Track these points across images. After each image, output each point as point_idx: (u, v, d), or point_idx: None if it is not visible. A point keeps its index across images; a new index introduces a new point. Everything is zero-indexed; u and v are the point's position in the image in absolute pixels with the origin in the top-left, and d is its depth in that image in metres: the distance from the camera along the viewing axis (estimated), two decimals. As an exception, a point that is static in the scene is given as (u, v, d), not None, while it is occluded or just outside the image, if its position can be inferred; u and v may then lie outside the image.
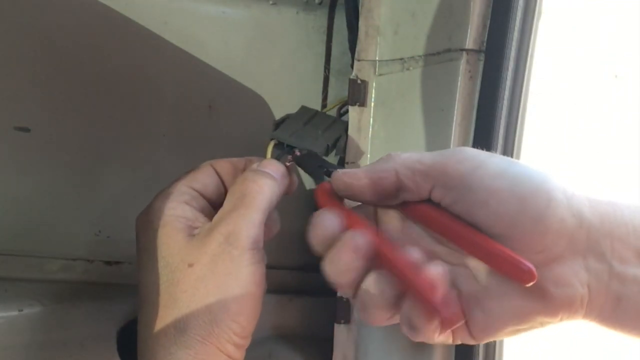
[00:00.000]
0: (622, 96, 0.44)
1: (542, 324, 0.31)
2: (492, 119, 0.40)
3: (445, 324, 0.30)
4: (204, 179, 0.41)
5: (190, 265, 0.35)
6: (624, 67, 0.43)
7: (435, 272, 0.31)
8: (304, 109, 0.51)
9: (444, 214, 0.33)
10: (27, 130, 0.56)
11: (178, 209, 0.38)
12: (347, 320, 0.55)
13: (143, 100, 0.58)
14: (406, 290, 0.31)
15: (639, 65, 0.43)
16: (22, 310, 0.51)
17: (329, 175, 0.37)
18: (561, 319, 0.31)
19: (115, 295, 0.57)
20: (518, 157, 0.41)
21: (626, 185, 0.45)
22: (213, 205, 0.41)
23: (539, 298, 0.30)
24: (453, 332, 0.33)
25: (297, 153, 0.43)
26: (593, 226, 0.30)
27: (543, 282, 0.29)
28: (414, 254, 0.32)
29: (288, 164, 0.42)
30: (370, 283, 0.32)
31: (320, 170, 0.40)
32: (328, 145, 0.47)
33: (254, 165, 0.40)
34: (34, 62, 0.55)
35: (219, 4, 0.58)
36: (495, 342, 0.43)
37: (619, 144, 0.45)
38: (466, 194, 0.31)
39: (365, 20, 0.52)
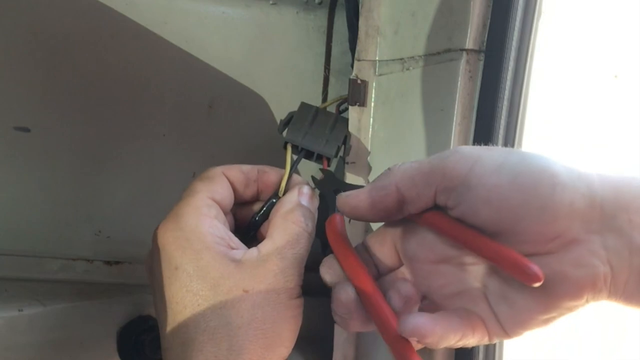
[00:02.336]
0: (622, 96, 0.44)
1: (569, 309, 0.31)
2: (492, 119, 0.40)
3: None
4: (222, 190, 0.41)
5: (246, 291, 0.36)
6: (624, 67, 0.43)
7: (413, 324, 0.31)
8: (304, 106, 0.51)
9: (448, 219, 0.33)
10: (27, 130, 0.56)
11: (215, 227, 0.38)
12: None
13: (143, 100, 0.58)
14: (383, 337, 0.33)
15: (639, 65, 0.43)
16: (22, 310, 0.51)
17: None
18: (587, 301, 0.30)
19: (115, 295, 0.57)
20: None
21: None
22: (225, 213, 0.41)
23: (562, 283, 0.29)
24: (488, 331, 0.33)
25: (318, 178, 0.44)
26: (607, 201, 0.29)
27: (562, 266, 0.29)
28: (395, 301, 0.34)
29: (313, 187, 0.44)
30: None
31: (334, 196, 0.40)
32: (338, 146, 0.48)
33: (296, 197, 0.41)
34: (34, 63, 0.55)
35: (219, 4, 0.58)
36: (495, 343, 0.43)
37: (619, 144, 0.45)
38: (467, 194, 0.31)
39: (365, 20, 0.52)
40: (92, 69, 0.56)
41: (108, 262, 0.61)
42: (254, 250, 0.38)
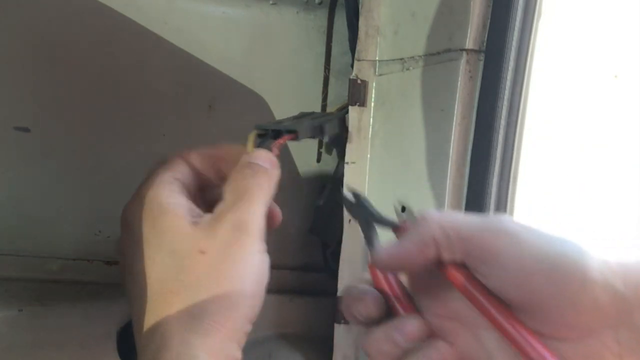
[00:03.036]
0: (622, 96, 0.44)
1: None
2: (492, 119, 0.40)
3: None
4: (181, 169, 0.41)
5: (202, 252, 0.35)
6: (624, 67, 0.43)
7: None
8: (300, 114, 0.51)
9: (474, 282, 0.32)
10: (27, 130, 0.56)
11: (175, 197, 0.38)
12: (347, 321, 0.55)
13: (143, 100, 0.58)
14: None
15: (639, 65, 0.43)
16: (22, 310, 0.51)
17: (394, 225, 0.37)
18: None
19: (115, 295, 0.57)
20: (518, 157, 0.41)
21: (626, 185, 0.45)
22: (189, 195, 0.41)
23: None
24: None
25: (351, 197, 0.40)
26: (626, 298, 0.30)
27: (574, 356, 0.30)
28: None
29: (277, 151, 0.42)
30: None
31: (370, 229, 0.38)
32: (313, 126, 0.46)
33: (246, 158, 0.40)
34: (34, 63, 0.55)
35: (219, 4, 0.58)
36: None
37: (619, 144, 0.45)
38: (500, 273, 0.31)
39: (365, 20, 0.52)
40: (92, 69, 0.56)
41: (108, 262, 0.61)
42: (207, 214, 0.38)
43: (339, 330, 0.55)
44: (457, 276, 0.33)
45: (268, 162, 0.40)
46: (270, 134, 0.44)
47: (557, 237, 0.32)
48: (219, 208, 0.37)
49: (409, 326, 0.34)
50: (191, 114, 0.60)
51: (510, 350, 0.32)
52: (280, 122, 0.47)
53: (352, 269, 0.54)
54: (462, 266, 0.33)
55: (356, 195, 0.39)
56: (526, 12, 0.39)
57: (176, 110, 0.59)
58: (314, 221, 0.60)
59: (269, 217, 0.39)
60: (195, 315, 0.34)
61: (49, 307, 0.52)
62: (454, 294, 0.34)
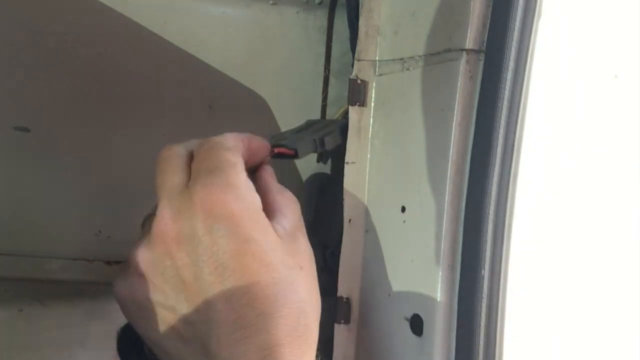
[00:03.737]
0: (622, 96, 0.44)
1: None
2: (492, 119, 0.40)
3: None
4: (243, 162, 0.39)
5: (302, 268, 0.37)
6: (624, 67, 0.43)
7: None
8: (307, 122, 0.51)
9: None
10: (27, 130, 0.56)
11: (254, 194, 0.36)
12: (347, 320, 0.55)
13: (143, 100, 0.58)
14: None
15: (639, 65, 0.43)
16: (22, 310, 0.51)
17: None
18: None
19: (115, 295, 0.57)
20: (518, 157, 0.40)
21: (626, 185, 0.45)
22: None
23: None
24: None
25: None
26: None
27: None
28: None
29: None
30: None
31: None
32: (315, 140, 0.46)
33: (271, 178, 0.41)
34: (34, 63, 0.55)
35: (219, 4, 0.58)
36: (495, 343, 0.43)
37: (619, 144, 0.45)
38: None
39: (365, 20, 0.52)
40: (92, 69, 0.56)
41: (108, 262, 0.61)
42: (276, 226, 0.37)
43: (339, 330, 0.55)
44: None
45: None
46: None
47: None
48: (289, 224, 0.38)
49: None
50: (191, 114, 0.60)
51: None
52: (284, 136, 0.47)
53: (352, 269, 0.54)
54: None
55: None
56: (526, 12, 0.39)
57: (176, 110, 0.59)
58: (314, 221, 0.60)
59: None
60: (302, 324, 0.35)
61: (49, 307, 0.52)
62: None
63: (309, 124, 0.50)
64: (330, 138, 0.48)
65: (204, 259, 0.33)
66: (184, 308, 0.35)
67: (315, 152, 0.47)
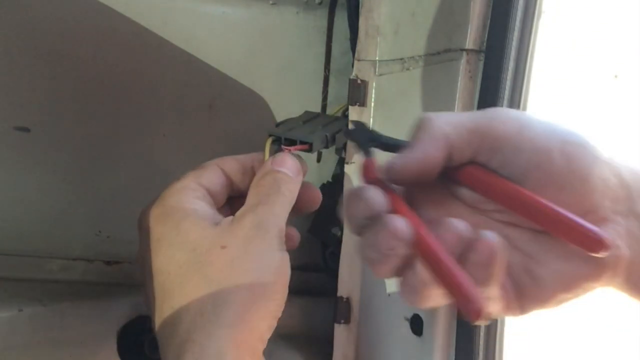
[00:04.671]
0: (622, 96, 0.44)
1: (585, 290, 0.31)
2: (492, 119, 0.40)
3: (474, 317, 0.28)
4: (211, 177, 0.41)
5: (224, 247, 0.36)
6: (624, 67, 0.43)
7: (493, 240, 0.29)
8: (307, 113, 0.51)
9: (494, 175, 0.31)
10: (27, 130, 0.56)
11: (196, 203, 0.38)
12: (347, 320, 0.55)
13: (143, 100, 0.58)
14: (440, 282, 0.29)
15: (639, 65, 0.43)
16: (22, 310, 0.51)
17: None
18: (602, 284, 0.30)
19: (115, 295, 0.57)
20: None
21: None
22: (216, 202, 0.41)
23: (586, 261, 0.29)
24: (506, 301, 0.31)
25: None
26: (631, 187, 0.30)
27: None
28: (460, 226, 0.30)
29: (293, 152, 0.42)
30: (422, 270, 0.30)
31: (370, 144, 0.37)
32: (327, 136, 0.46)
33: (268, 164, 0.40)
34: (34, 63, 0.55)
35: (219, 4, 0.58)
36: (495, 342, 0.43)
37: (619, 144, 0.45)
38: (517, 156, 0.30)
39: (365, 20, 0.52)
40: (92, 69, 0.56)
41: (108, 262, 0.61)
42: (228, 217, 0.38)
43: (339, 330, 0.55)
44: (472, 171, 0.32)
45: (290, 169, 0.40)
46: (283, 142, 0.45)
47: (556, 123, 0.32)
48: (240, 210, 0.38)
49: (398, 223, 0.30)
50: (191, 114, 0.60)
51: (524, 252, 0.31)
52: (289, 126, 0.47)
53: (352, 269, 0.54)
54: (473, 164, 0.32)
55: (356, 122, 0.39)
56: (526, 12, 0.39)
57: (176, 110, 0.59)
58: (314, 221, 0.60)
59: (287, 237, 0.40)
60: (219, 308, 0.34)
61: (49, 307, 0.52)
62: (457, 206, 0.33)
63: (312, 116, 0.50)
64: (340, 136, 0.48)
65: (142, 271, 0.39)
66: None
67: (326, 147, 0.47)
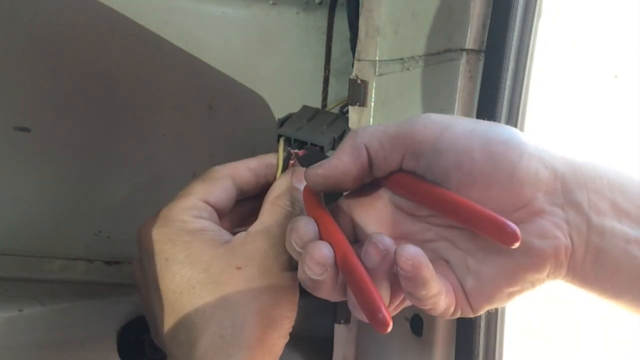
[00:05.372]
0: (622, 96, 0.44)
1: (532, 283, 0.31)
2: (492, 119, 0.40)
3: (380, 328, 0.29)
4: (219, 193, 0.41)
5: (239, 268, 0.36)
6: (624, 67, 0.43)
7: (410, 252, 0.29)
8: (305, 108, 0.51)
9: (419, 180, 0.32)
10: (27, 130, 0.56)
11: (204, 223, 0.38)
12: (347, 320, 0.55)
13: (143, 100, 0.58)
14: (356, 297, 0.30)
15: (639, 65, 0.43)
16: (22, 310, 0.51)
17: None
18: (548, 275, 0.30)
19: (115, 295, 0.57)
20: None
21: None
22: (222, 215, 0.41)
23: (526, 254, 0.30)
24: (456, 300, 0.32)
25: (300, 153, 0.43)
26: (566, 177, 0.30)
27: (527, 237, 0.29)
28: (383, 243, 0.31)
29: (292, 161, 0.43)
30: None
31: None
32: (334, 137, 0.47)
33: (289, 179, 0.41)
34: (34, 62, 0.55)
35: (219, 4, 0.58)
36: (495, 342, 0.43)
37: (619, 144, 0.45)
38: (438, 158, 0.31)
39: (366, 20, 0.52)
40: (92, 69, 0.56)
41: (108, 262, 0.61)
42: (242, 232, 0.38)
43: (339, 330, 0.55)
44: (398, 178, 0.33)
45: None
46: (293, 144, 0.46)
47: (486, 121, 0.33)
48: (254, 228, 0.38)
49: (322, 249, 0.31)
50: (191, 114, 0.60)
51: (463, 250, 0.32)
52: (295, 125, 0.48)
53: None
54: (400, 171, 0.33)
55: (309, 148, 0.41)
56: (526, 12, 0.39)
57: (176, 110, 0.59)
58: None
59: None
60: (237, 329, 0.35)
61: (49, 307, 0.52)
62: (397, 213, 0.34)
63: (312, 113, 0.50)
64: (344, 136, 0.49)
65: (142, 283, 0.40)
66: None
67: (332, 149, 0.48)
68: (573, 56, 0.42)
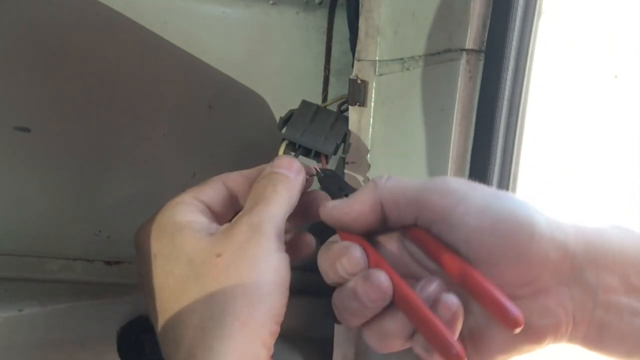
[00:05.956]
0: (622, 96, 0.44)
1: (529, 351, 0.32)
2: (492, 119, 0.40)
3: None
4: (211, 192, 0.41)
5: (219, 255, 0.35)
6: (624, 67, 0.43)
7: (453, 303, 0.31)
8: (305, 104, 0.51)
9: (432, 238, 0.33)
10: (27, 130, 0.56)
11: (190, 215, 0.38)
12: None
13: (143, 100, 0.58)
14: (418, 328, 0.31)
15: (639, 65, 0.43)
16: (22, 310, 0.51)
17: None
18: (547, 344, 0.31)
19: (115, 295, 0.57)
20: (518, 157, 0.40)
21: (626, 185, 0.45)
22: (219, 219, 0.41)
23: (525, 329, 0.30)
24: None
25: (319, 170, 0.43)
26: (577, 256, 0.30)
27: (529, 314, 0.30)
28: (430, 288, 0.32)
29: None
30: (391, 321, 0.32)
31: (339, 193, 0.39)
32: (337, 144, 0.48)
33: (268, 168, 0.40)
34: (34, 63, 0.55)
35: (219, 4, 0.58)
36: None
37: (619, 144, 0.45)
38: (448, 230, 0.32)
39: (366, 20, 0.52)
40: (92, 69, 0.56)
41: (108, 262, 0.61)
42: (224, 225, 0.38)
43: (339, 330, 0.55)
44: (415, 233, 0.34)
45: (289, 168, 0.40)
46: (298, 150, 0.47)
47: (503, 194, 0.33)
48: (237, 215, 0.38)
49: (382, 277, 0.32)
50: (191, 114, 0.60)
51: (466, 311, 0.32)
52: (298, 127, 0.48)
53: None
54: (417, 226, 0.33)
55: (326, 171, 0.41)
56: (526, 12, 0.39)
57: (176, 110, 0.59)
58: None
59: (300, 244, 0.40)
60: (217, 320, 0.34)
61: (49, 307, 0.52)
62: (410, 258, 0.35)
63: (312, 111, 0.50)
64: (347, 146, 0.50)
65: (140, 276, 0.39)
66: None
67: (334, 154, 0.49)
68: (573, 56, 0.42)
